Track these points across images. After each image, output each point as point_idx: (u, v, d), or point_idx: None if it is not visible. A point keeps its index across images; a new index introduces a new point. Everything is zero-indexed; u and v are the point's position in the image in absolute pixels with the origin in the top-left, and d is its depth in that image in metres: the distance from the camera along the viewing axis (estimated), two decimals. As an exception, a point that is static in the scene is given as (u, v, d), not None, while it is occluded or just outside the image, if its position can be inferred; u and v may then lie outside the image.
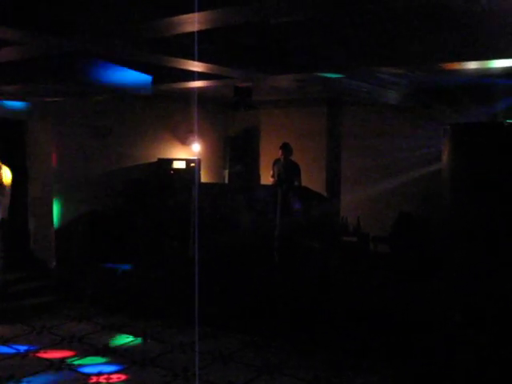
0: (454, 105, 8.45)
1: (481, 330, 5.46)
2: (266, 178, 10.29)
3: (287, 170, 9.47)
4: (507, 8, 4.10)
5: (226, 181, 11.29)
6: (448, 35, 4.93)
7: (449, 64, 5.68)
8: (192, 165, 9.98)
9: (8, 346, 6.36)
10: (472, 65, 5.70)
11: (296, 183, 9.34)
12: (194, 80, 6.48)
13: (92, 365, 5.89)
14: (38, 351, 6.23)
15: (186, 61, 5.18)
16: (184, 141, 10.70)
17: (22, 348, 6.30)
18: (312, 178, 9.82)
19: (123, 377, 5.60)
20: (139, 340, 6.65)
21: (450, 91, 8.33)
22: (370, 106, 9.49)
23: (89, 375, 5.61)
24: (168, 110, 10.28)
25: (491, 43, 5.03)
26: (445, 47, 5.19)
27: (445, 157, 6.01)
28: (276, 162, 9.74)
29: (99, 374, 5.64)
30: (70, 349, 6.34)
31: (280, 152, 9.53)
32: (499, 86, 7.70)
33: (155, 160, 10.10)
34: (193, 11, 3.21)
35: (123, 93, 7.77)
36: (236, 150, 11.47)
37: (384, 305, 6.31)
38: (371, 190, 9.96)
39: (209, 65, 5.44)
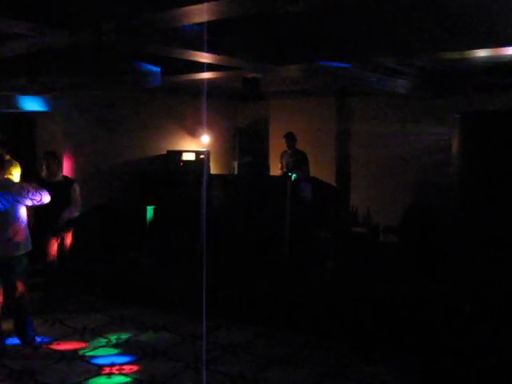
0: (465, 93, 8.41)
1: (490, 322, 5.45)
2: (276, 168, 10.29)
3: (295, 160, 9.46)
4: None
5: (236, 172, 11.30)
6: (457, 23, 4.89)
7: (458, 52, 5.64)
8: (201, 156, 9.98)
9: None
10: (483, 52, 5.66)
11: (303, 173, 9.30)
12: (203, 71, 6.48)
13: (104, 356, 5.93)
14: (50, 343, 6.27)
15: (195, 52, 5.18)
16: (193, 133, 10.70)
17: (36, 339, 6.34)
18: (322, 169, 9.81)
19: (135, 368, 5.64)
20: (150, 331, 6.68)
21: (461, 79, 8.28)
22: (380, 96, 9.45)
23: (101, 366, 5.65)
24: (177, 101, 10.28)
25: (502, 30, 4.99)
26: (454, 35, 5.15)
27: (455, 146, 5.98)
28: (283, 153, 9.73)
29: (112, 364, 5.68)
30: (82, 340, 6.39)
31: (284, 141, 9.54)
32: (509, 74, 7.64)
33: (164, 152, 10.12)
34: (202, 2, 3.21)
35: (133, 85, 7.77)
36: (245, 142, 11.46)
37: (394, 296, 6.31)
38: (381, 181, 9.94)
39: (218, 56, 5.43)
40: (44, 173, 7.23)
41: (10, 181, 6.03)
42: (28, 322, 6.17)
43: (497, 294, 5.52)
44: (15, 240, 5.87)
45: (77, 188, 7.45)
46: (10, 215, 5.83)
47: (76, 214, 7.44)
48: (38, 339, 6.24)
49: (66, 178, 7.54)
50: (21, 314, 6.14)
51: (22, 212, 5.96)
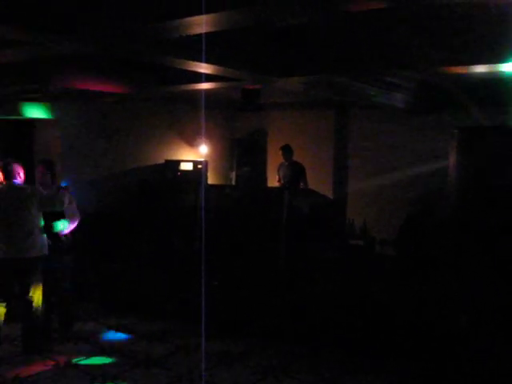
0: (462, 108, 8.44)
1: (486, 333, 5.45)
2: (273, 180, 10.31)
3: (292, 172, 9.49)
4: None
5: (233, 183, 11.30)
6: (457, 38, 4.92)
7: (457, 67, 5.67)
8: (199, 166, 9.99)
9: (13, 345, 6.37)
10: (481, 68, 5.69)
11: (302, 184, 9.34)
12: (201, 82, 6.49)
13: (98, 365, 5.90)
14: (42, 350, 6.24)
15: (193, 63, 5.19)
16: (191, 142, 10.72)
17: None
18: (319, 181, 9.82)
19: (128, 377, 5.61)
20: (145, 340, 6.66)
21: (458, 94, 8.31)
22: (378, 109, 9.48)
23: (94, 375, 5.63)
24: (175, 111, 10.30)
25: (501, 46, 5.02)
26: (453, 50, 5.18)
27: (452, 160, 6.02)
28: (280, 165, 9.77)
29: (105, 373, 5.66)
30: (76, 349, 6.36)
31: (280, 153, 9.58)
32: (509, 90, 7.67)
33: (162, 161, 10.12)
34: (200, 13, 3.22)
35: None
36: (243, 152, 11.47)
37: (390, 307, 6.30)
38: (378, 193, 9.95)
39: (217, 67, 5.45)
40: (37, 184, 6.60)
41: (22, 184, 6.18)
42: (37, 332, 6.20)
43: (494, 303, 5.53)
44: (29, 241, 5.96)
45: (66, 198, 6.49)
46: (23, 217, 5.97)
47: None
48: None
49: (58, 188, 6.65)
50: (32, 323, 6.15)
51: (36, 215, 6.07)
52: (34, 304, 6.05)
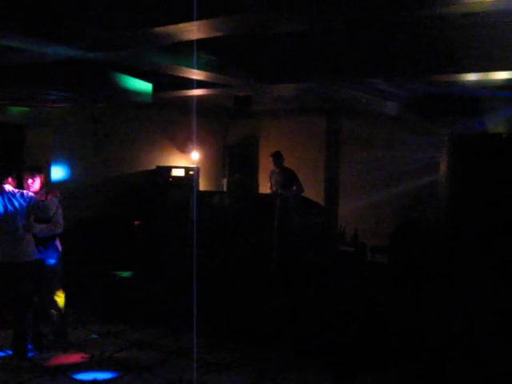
0: (453, 116, 8.48)
1: (479, 340, 5.47)
2: (265, 186, 10.30)
3: (283, 179, 9.48)
4: (506, 21, 4.14)
5: (225, 189, 11.30)
6: (447, 47, 4.96)
7: (448, 75, 5.71)
8: (191, 173, 9.98)
9: (2, 351, 6.33)
10: (472, 76, 5.73)
11: (294, 189, 9.31)
12: (193, 88, 6.50)
13: (87, 372, 5.87)
14: (32, 357, 6.20)
15: (186, 69, 5.20)
16: (183, 149, 10.71)
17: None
18: (310, 188, 9.82)
19: (119, 384, 5.59)
20: (135, 347, 6.63)
21: (449, 102, 8.35)
22: (370, 117, 9.52)
23: (84, 382, 5.59)
24: (167, 117, 10.29)
25: (490, 55, 5.06)
26: (444, 59, 5.21)
27: (443, 167, 6.06)
28: (272, 172, 9.76)
29: (94, 381, 5.62)
30: (65, 355, 6.32)
31: (271, 160, 9.58)
32: (499, 98, 7.72)
33: (154, 167, 10.11)
34: (192, 20, 3.23)
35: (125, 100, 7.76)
36: (235, 159, 11.48)
37: (382, 313, 6.32)
38: (370, 200, 9.97)
39: (209, 73, 5.46)
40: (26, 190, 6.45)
41: (14, 190, 6.17)
42: (27, 338, 6.19)
43: (485, 306, 5.56)
44: (21, 246, 6.01)
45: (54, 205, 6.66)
46: (16, 222, 6.00)
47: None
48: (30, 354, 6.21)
49: (47, 195, 6.65)
50: (23, 329, 6.14)
51: (27, 220, 6.11)
52: (26, 309, 6.03)
